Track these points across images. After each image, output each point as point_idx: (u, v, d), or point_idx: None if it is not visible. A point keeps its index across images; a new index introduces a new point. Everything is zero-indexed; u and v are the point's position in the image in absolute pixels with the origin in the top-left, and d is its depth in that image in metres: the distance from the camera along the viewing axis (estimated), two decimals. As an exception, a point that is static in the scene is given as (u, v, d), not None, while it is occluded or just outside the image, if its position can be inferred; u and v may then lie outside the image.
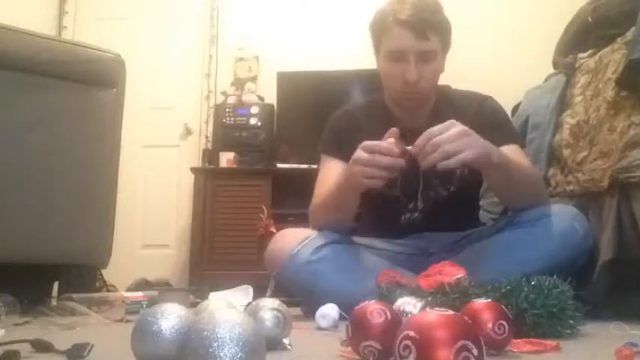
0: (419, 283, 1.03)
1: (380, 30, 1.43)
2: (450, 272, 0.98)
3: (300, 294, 1.45)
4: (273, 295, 1.65)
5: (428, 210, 1.50)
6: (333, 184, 1.39)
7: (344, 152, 1.44)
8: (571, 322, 0.93)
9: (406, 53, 1.37)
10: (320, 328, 1.13)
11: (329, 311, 1.14)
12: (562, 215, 1.33)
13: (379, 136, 1.37)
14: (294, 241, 1.39)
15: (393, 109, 1.52)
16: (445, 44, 1.43)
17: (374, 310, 0.71)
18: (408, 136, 1.23)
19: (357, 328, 0.71)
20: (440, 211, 1.48)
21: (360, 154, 1.19)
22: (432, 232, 1.48)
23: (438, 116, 1.45)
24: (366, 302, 0.74)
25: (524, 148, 1.57)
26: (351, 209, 1.40)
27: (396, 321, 0.70)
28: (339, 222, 1.43)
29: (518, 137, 1.57)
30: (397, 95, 1.47)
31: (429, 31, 1.37)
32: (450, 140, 1.12)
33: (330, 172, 1.48)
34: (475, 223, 1.59)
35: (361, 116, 1.57)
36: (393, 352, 0.50)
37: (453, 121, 1.16)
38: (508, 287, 0.94)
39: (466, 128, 1.16)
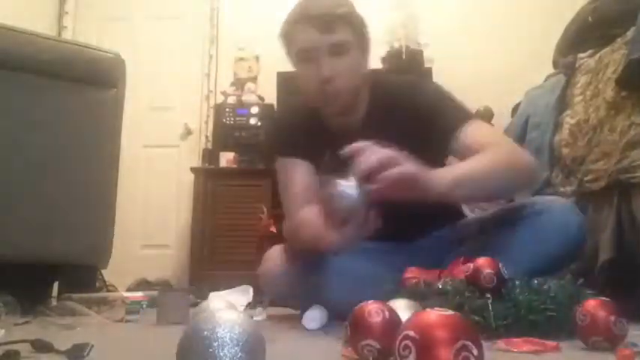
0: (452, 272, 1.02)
1: (286, 33, 1.35)
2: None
3: (297, 305, 1.43)
4: (270, 305, 1.63)
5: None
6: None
7: (298, 150, 1.39)
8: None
9: (315, 50, 1.28)
10: (308, 330, 1.13)
11: (316, 313, 1.14)
12: (555, 208, 1.31)
13: (316, 142, 1.34)
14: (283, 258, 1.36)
15: (323, 115, 1.41)
16: (359, 37, 1.33)
17: (372, 309, 0.71)
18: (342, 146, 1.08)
19: (355, 327, 0.71)
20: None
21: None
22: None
23: (372, 115, 1.37)
24: (365, 302, 0.74)
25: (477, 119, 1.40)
26: None
27: (394, 320, 0.70)
28: None
29: (468, 111, 1.39)
30: (315, 100, 1.35)
31: (334, 23, 1.28)
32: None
33: (295, 176, 1.40)
34: (457, 215, 1.50)
35: (299, 121, 1.48)
36: (392, 351, 0.50)
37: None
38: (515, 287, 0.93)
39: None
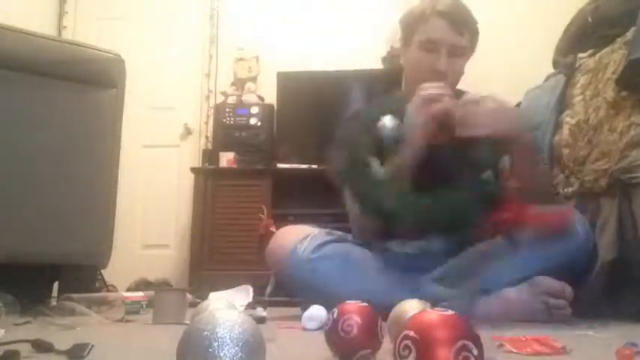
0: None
1: (416, 20, 1.47)
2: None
3: (299, 292, 1.45)
4: (274, 294, 1.66)
5: None
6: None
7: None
8: None
9: (439, 44, 1.42)
10: (308, 330, 1.13)
11: (316, 313, 1.14)
12: None
13: None
14: (295, 238, 1.40)
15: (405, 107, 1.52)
16: (473, 45, 1.48)
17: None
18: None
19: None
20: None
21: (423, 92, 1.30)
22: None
23: None
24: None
25: None
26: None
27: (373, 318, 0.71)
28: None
29: None
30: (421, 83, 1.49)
31: (464, 26, 1.43)
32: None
33: None
34: None
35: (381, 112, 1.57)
36: (392, 352, 0.50)
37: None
38: None
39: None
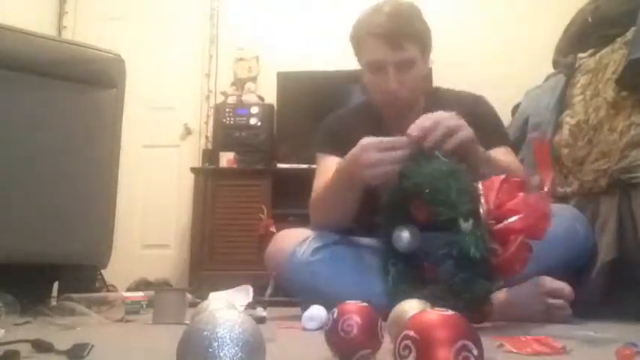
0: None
1: (357, 42, 1.46)
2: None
3: (299, 295, 1.45)
4: (274, 295, 1.66)
5: None
6: (331, 182, 1.39)
7: (340, 151, 1.45)
8: None
9: (383, 64, 1.39)
10: (307, 330, 1.13)
11: (316, 313, 1.14)
12: (563, 216, 1.33)
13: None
14: (294, 241, 1.39)
15: (382, 114, 1.52)
16: (424, 49, 1.44)
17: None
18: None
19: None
20: None
21: (367, 155, 1.16)
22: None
23: None
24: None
25: (514, 149, 1.58)
26: (351, 208, 1.38)
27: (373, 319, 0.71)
28: (340, 222, 1.42)
29: (509, 139, 1.57)
30: (381, 103, 1.50)
31: (404, 41, 1.38)
32: (449, 118, 1.13)
33: (329, 168, 1.48)
34: None
35: (353, 120, 1.58)
36: (392, 352, 0.50)
37: (441, 112, 1.17)
38: None
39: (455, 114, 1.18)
